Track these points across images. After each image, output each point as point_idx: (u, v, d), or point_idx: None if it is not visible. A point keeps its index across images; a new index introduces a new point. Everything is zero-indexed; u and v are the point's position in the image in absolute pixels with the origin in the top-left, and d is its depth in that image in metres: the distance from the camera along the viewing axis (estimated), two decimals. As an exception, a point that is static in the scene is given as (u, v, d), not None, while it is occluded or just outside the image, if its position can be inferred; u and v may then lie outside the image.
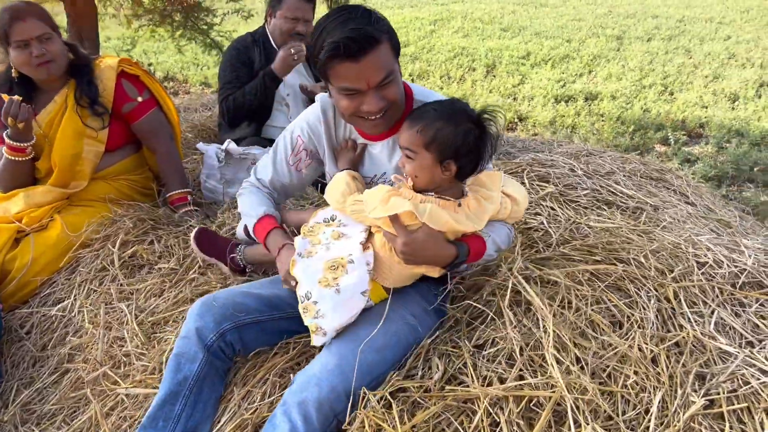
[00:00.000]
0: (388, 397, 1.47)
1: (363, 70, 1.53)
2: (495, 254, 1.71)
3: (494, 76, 8.79)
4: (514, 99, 8.04)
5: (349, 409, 1.44)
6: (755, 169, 6.22)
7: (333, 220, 1.68)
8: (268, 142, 2.75)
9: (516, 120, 7.50)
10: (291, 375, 1.67)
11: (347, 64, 1.53)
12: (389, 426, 1.38)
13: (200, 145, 2.58)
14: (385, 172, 1.80)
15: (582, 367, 1.43)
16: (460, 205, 1.57)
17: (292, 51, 2.68)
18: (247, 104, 2.80)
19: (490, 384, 1.45)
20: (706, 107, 7.71)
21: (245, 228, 1.95)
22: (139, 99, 2.47)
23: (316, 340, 1.60)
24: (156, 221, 2.39)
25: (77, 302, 2.07)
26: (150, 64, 9.20)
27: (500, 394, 1.40)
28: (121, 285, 2.07)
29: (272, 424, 1.45)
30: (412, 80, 8.58)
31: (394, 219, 1.53)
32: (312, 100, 3.02)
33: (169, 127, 2.55)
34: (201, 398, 1.61)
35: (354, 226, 1.65)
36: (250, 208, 1.89)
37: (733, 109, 7.70)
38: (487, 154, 1.59)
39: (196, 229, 2.10)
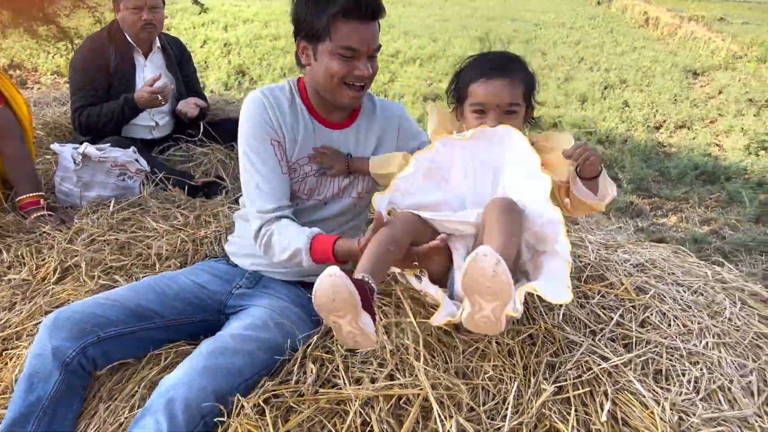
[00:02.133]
0: (261, 403, 1.47)
1: (368, 33, 1.63)
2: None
3: (365, 73, 8.93)
4: (385, 96, 8.21)
5: (217, 412, 1.42)
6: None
7: None
8: (130, 141, 2.62)
9: (386, 117, 7.67)
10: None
11: (356, 25, 1.60)
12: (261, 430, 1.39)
13: (55, 146, 2.41)
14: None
15: (447, 365, 1.52)
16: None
17: (159, 97, 2.53)
18: (101, 125, 2.63)
19: (361, 385, 1.49)
20: (559, 107, 8.31)
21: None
22: None
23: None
24: (4, 228, 2.20)
25: None
26: (-8, 50, 8.38)
27: (371, 394, 1.44)
28: (-34, 299, 1.90)
29: (137, 425, 1.38)
30: (284, 74, 8.50)
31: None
32: (185, 123, 2.90)
33: (18, 127, 2.35)
34: (56, 419, 1.51)
35: None
36: (292, 241, 1.64)
37: (582, 109, 8.37)
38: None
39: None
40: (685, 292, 1.88)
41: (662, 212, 6.11)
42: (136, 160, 2.33)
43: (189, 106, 2.85)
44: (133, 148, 2.43)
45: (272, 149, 1.73)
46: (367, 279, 1.36)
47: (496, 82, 1.66)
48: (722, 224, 5.88)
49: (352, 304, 1.25)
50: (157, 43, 2.95)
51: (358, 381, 1.51)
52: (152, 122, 2.88)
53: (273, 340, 1.60)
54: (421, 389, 1.44)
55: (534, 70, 1.79)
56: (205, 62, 8.46)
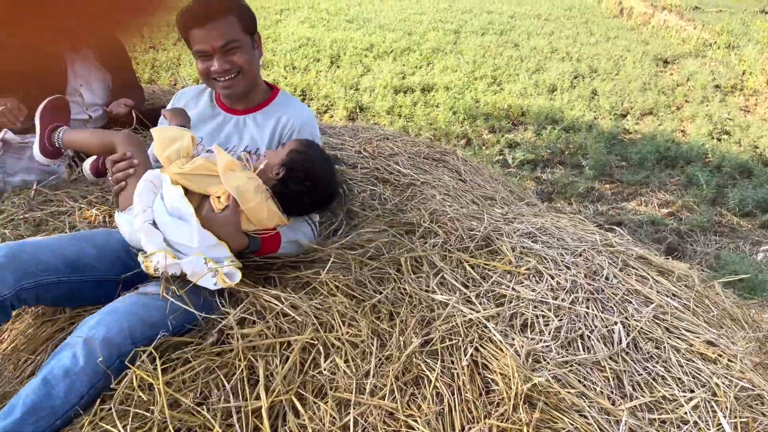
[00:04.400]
0: (153, 352, 1.59)
1: (207, 35, 1.87)
2: (289, 250, 1.95)
3: (338, 67, 9.03)
4: (356, 90, 8.31)
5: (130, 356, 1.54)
6: (566, 152, 6.97)
7: None
8: None
9: (357, 110, 7.79)
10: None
11: (195, 30, 1.88)
12: (153, 378, 1.51)
13: None
14: (247, 147, 2.06)
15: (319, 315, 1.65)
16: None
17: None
18: None
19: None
20: (528, 97, 8.44)
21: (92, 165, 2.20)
22: None
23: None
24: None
25: None
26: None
27: (257, 344, 1.58)
28: None
29: (54, 357, 1.48)
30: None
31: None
32: (117, 121, 2.98)
33: None
34: None
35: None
36: None
37: (551, 99, 8.50)
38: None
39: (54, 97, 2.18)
40: (567, 255, 2.01)
41: (622, 196, 6.25)
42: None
43: (118, 106, 2.94)
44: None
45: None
46: None
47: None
48: (680, 207, 6.03)
49: None
50: None
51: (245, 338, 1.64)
52: (85, 115, 2.97)
53: (185, 307, 1.72)
54: (300, 335, 1.58)
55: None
56: (178, 59, 8.55)
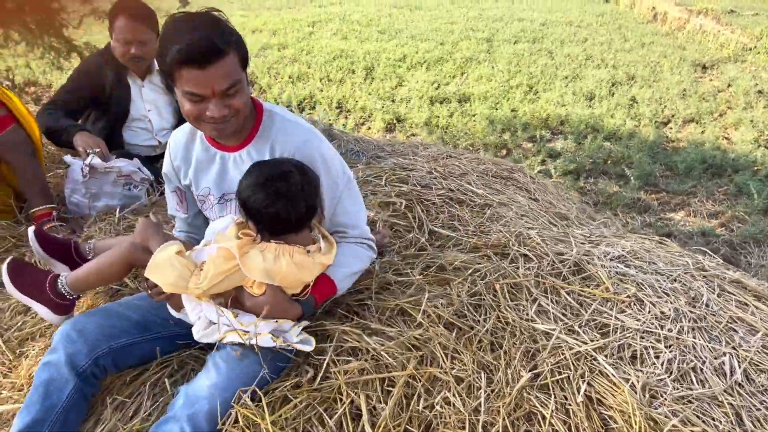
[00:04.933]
0: (258, 392, 1.57)
1: (208, 77, 1.57)
2: (351, 282, 1.81)
3: (373, 79, 9.02)
4: (392, 101, 8.30)
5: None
6: (608, 162, 6.86)
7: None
8: (135, 155, 2.74)
9: (394, 121, 7.77)
10: (167, 384, 1.72)
11: (192, 71, 1.56)
12: (259, 417, 1.49)
13: (67, 158, 2.54)
14: None
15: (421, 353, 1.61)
16: (309, 252, 1.64)
17: (87, 160, 2.49)
18: (44, 129, 2.70)
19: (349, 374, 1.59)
20: (566, 105, 8.35)
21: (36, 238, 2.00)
22: None
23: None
24: (18, 239, 2.33)
25: (-65, 325, 1.99)
26: (8, 69, 8.62)
27: (359, 379, 1.54)
28: (-17, 305, 2.02)
29: (160, 429, 1.50)
30: (292, 82, 8.63)
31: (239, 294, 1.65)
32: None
33: (30, 143, 2.48)
34: (67, 423, 1.59)
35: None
36: None
37: (590, 107, 8.40)
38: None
39: (7, 261, 1.72)
40: (664, 281, 1.94)
41: (670, 207, 6.13)
42: (140, 169, 2.45)
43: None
44: (135, 159, 2.54)
45: (174, 197, 2.00)
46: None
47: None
48: (730, 217, 5.88)
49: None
50: (155, 65, 3.00)
51: (346, 372, 1.61)
52: (155, 142, 2.99)
53: (284, 352, 1.69)
54: (404, 370, 1.54)
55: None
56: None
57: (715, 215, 5.94)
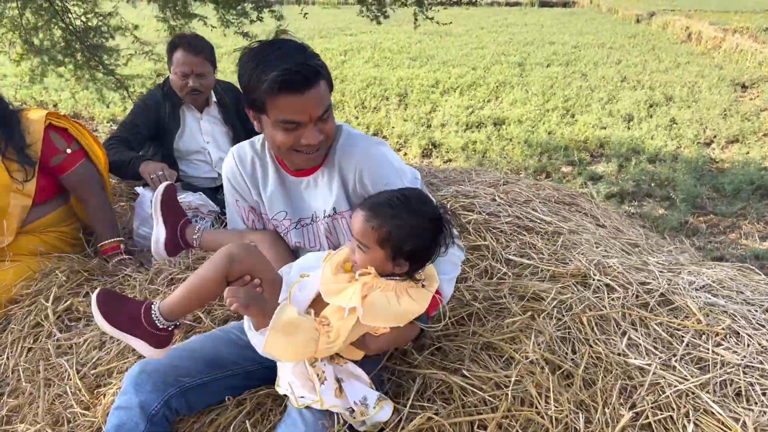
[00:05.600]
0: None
1: (306, 103, 1.53)
2: (452, 287, 1.71)
3: (407, 105, 9.05)
4: (428, 126, 8.30)
5: None
6: (652, 184, 6.73)
7: None
8: (198, 188, 2.75)
9: (430, 147, 7.75)
10: (247, 426, 1.66)
11: (291, 98, 1.52)
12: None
13: (139, 189, 2.56)
14: (323, 209, 1.77)
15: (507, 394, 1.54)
16: (420, 282, 1.53)
17: (158, 183, 2.45)
18: (109, 162, 2.72)
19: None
20: (605, 128, 8.25)
21: (164, 241, 1.97)
22: (68, 151, 2.42)
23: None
24: (89, 272, 2.33)
25: (11, 361, 1.98)
26: (55, 105, 8.85)
27: (447, 422, 1.48)
28: (58, 340, 2.00)
29: None
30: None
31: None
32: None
33: (99, 177, 2.51)
34: None
35: None
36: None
37: (628, 128, 8.28)
38: (438, 253, 1.53)
39: (96, 292, 1.57)
40: (756, 311, 1.85)
41: (719, 230, 5.97)
42: (206, 203, 2.45)
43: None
44: (200, 193, 2.55)
45: (239, 210, 1.92)
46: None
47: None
48: (784, 239, 5.71)
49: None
50: (213, 98, 3.05)
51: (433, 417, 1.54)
52: (214, 173, 3.00)
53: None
54: (495, 412, 1.47)
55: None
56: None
57: (766, 237, 5.76)
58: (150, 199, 2.38)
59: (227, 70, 9.89)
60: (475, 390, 1.55)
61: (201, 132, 2.95)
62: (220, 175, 3.00)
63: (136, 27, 5.58)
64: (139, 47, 5.62)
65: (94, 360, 1.91)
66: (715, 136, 8.00)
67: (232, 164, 1.86)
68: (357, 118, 8.44)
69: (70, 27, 4.95)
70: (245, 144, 1.86)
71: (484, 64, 10.97)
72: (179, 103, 2.93)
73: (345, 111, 8.64)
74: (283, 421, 1.57)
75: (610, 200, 6.48)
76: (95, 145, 2.56)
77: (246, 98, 1.62)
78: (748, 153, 7.51)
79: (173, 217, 2.03)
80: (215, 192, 2.92)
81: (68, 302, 2.14)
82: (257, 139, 1.84)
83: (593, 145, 7.71)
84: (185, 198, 2.41)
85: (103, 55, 5.25)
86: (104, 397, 1.76)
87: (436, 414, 1.50)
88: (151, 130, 2.89)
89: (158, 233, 1.97)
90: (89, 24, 5.11)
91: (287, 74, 1.48)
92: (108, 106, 8.28)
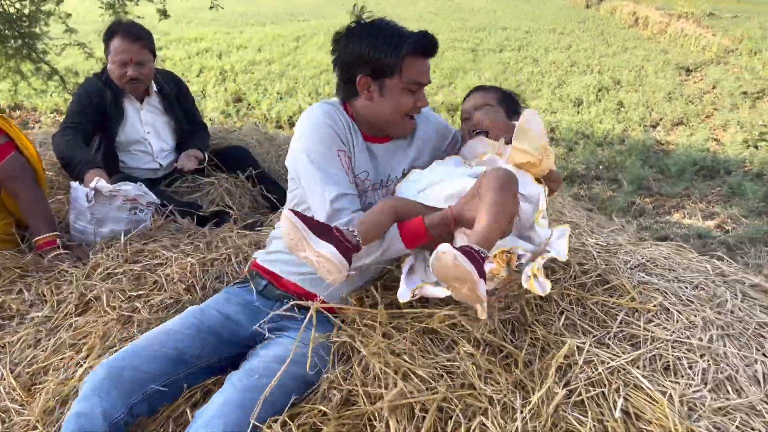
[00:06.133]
0: (288, 420, 1.52)
1: (428, 68, 1.76)
2: None
3: (361, 91, 9.01)
4: (382, 113, 8.29)
5: None
6: (600, 167, 6.89)
7: None
8: (136, 179, 2.66)
9: (385, 133, 7.75)
10: (188, 414, 1.66)
11: (422, 60, 1.73)
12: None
13: (73, 183, 2.47)
14: (395, 173, 1.90)
15: (452, 375, 1.57)
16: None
17: (92, 183, 2.38)
18: (59, 156, 2.68)
19: (380, 398, 1.54)
20: (555, 112, 8.39)
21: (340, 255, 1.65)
22: None
23: None
24: (23, 269, 2.25)
25: (-60, 363, 1.91)
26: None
27: (388, 405, 1.50)
28: (-9, 339, 1.95)
29: None
30: (281, 98, 8.60)
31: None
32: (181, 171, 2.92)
33: (30, 170, 2.42)
34: None
35: None
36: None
37: (578, 113, 8.45)
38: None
39: (289, 208, 1.62)
40: (687, 288, 1.92)
41: (664, 209, 6.15)
42: (146, 194, 2.40)
43: (188, 161, 2.90)
44: (140, 183, 2.48)
45: (338, 160, 1.76)
46: (477, 249, 1.48)
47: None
48: (725, 218, 5.91)
49: (469, 275, 1.41)
50: (154, 87, 2.96)
51: (375, 399, 1.56)
52: (156, 164, 2.91)
53: (301, 371, 1.63)
54: (436, 395, 1.49)
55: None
56: (203, 91, 8.57)
57: (710, 216, 5.97)
58: (85, 192, 2.32)
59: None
60: (416, 373, 1.57)
61: (141, 122, 2.87)
62: (161, 165, 2.94)
63: (68, 15, 5.44)
64: (70, 38, 5.49)
65: (28, 359, 1.86)
66: (660, 119, 8.22)
67: (330, 115, 1.78)
68: (310, 105, 8.37)
69: (3, 14, 4.77)
70: (322, 105, 1.81)
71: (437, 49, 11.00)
72: (121, 93, 2.84)
73: (298, 98, 8.57)
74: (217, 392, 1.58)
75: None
76: (25, 139, 2.47)
77: (368, 65, 1.72)
78: (691, 135, 7.75)
79: (321, 229, 1.70)
80: (156, 183, 2.85)
81: (0, 300, 2.08)
82: (331, 103, 1.83)
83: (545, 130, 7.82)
84: (123, 188, 2.35)
85: (35, 43, 5.09)
86: (40, 395, 1.71)
87: (381, 398, 1.51)
88: (97, 119, 2.80)
89: (332, 253, 1.61)
90: (23, 11, 4.95)
91: (426, 40, 1.70)
92: (42, 96, 8.02)
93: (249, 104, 8.35)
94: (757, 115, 8.15)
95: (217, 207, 2.71)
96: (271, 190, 2.88)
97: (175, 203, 2.58)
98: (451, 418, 1.49)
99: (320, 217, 1.73)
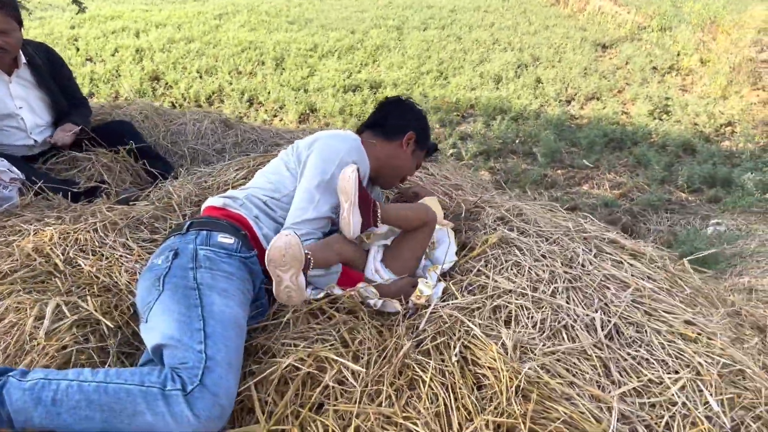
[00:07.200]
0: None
1: None
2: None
3: (284, 69, 8.92)
4: (305, 91, 8.23)
5: None
6: (516, 141, 7.06)
7: None
8: (10, 157, 2.55)
9: (308, 111, 7.72)
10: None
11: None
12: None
13: None
14: None
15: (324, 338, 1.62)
16: None
17: None
18: None
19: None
20: (475, 89, 8.52)
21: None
22: None
23: None
24: None
25: None
26: None
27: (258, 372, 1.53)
28: None
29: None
30: (200, 76, 8.41)
31: None
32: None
33: None
34: None
35: None
36: None
37: (497, 89, 8.60)
38: None
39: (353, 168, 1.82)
40: (543, 243, 2.02)
41: (575, 181, 6.37)
42: (9, 170, 2.31)
43: (64, 135, 2.78)
44: (2, 159, 2.38)
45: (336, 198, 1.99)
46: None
47: None
48: (631, 187, 6.18)
49: (298, 261, 1.53)
50: (23, 59, 2.79)
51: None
52: (30, 141, 2.78)
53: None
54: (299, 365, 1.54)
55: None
56: (117, 70, 8.29)
57: (617, 186, 6.22)
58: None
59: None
60: (287, 343, 1.61)
61: (11, 96, 2.74)
62: (36, 142, 2.82)
63: None
64: None
65: None
66: (575, 94, 8.47)
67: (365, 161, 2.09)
68: (231, 84, 8.23)
69: None
70: (361, 146, 2.09)
71: (362, 27, 10.96)
72: None
73: (219, 77, 8.40)
74: None
75: (478, 158, 6.75)
76: None
77: (421, 135, 2.22)
78: (603, 108, 8.03)
79: (366, 202, 1.87)
80: (33, 161, 2.75)
81: None
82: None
83: (464, 106, 7.96)
84: (-8, 166, 2.25)
85: None
86: None
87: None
88: None
89: (354, 221, 1.82)
90: None
91: (434, 149, 2.41)
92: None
93: (167, 83, 8.13)
94: (664, 89, 8.51)
95: (91, 183, 2.64)
96: (154, 165, 2.83)
97: (48, 180, 2.50)
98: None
99: (306, 213, 1.86)
